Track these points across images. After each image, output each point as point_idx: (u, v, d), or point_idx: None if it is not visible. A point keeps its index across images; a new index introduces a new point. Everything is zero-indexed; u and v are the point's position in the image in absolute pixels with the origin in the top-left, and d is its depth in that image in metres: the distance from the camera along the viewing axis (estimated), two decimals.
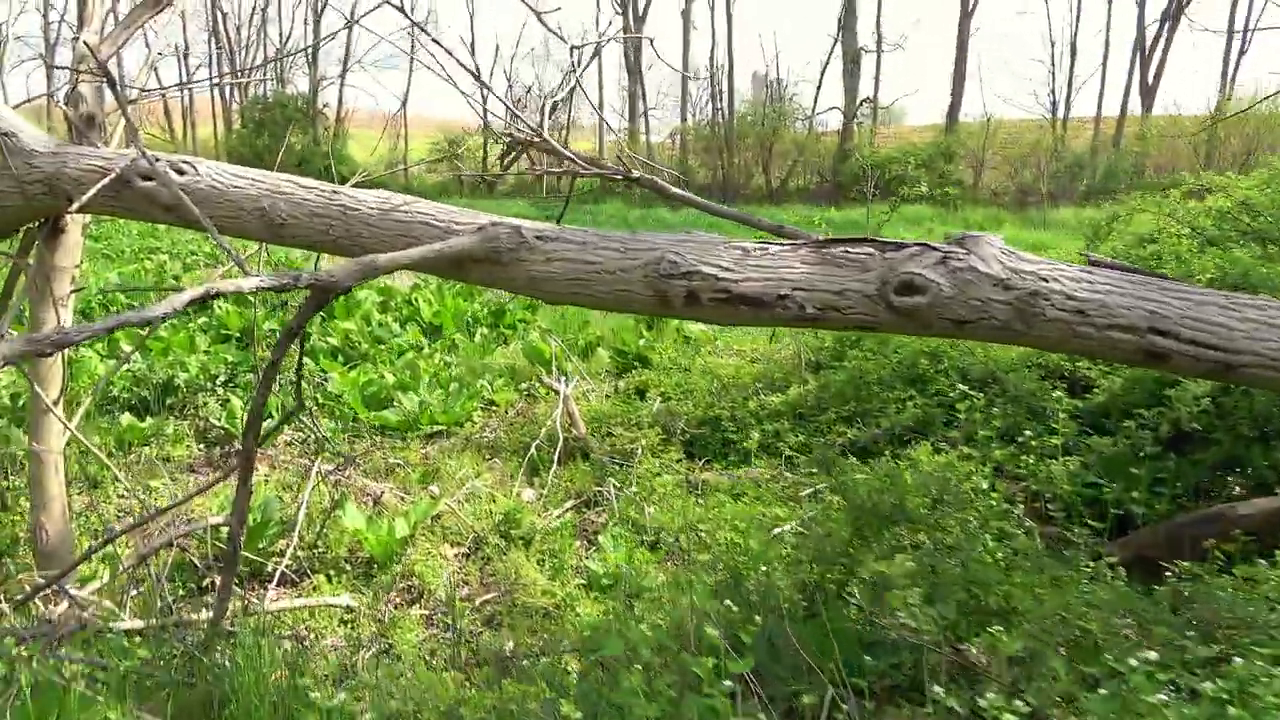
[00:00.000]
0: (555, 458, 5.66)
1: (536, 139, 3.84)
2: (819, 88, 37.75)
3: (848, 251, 2.78)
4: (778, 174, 35.87)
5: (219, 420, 6.31)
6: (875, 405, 5.50)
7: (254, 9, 41.96)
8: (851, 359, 6.03)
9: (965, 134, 35.16)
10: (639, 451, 5.39)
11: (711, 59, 37.94)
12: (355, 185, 4.58)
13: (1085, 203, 28.29)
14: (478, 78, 3.51)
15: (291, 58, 43.42)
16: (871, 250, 2.76)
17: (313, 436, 6.12)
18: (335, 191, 3.23)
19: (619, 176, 3.44)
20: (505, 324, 10.49)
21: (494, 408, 7.10)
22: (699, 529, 4.20)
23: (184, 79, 43.72)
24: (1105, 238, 6.49)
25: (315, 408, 6.92)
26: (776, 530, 4.27)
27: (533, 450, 5.84)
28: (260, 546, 4.40)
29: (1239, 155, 31.09)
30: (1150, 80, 33.92)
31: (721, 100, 37.50)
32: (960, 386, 4.30)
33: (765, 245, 2.86)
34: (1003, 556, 3.39)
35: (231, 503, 3.32)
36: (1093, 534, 4.28)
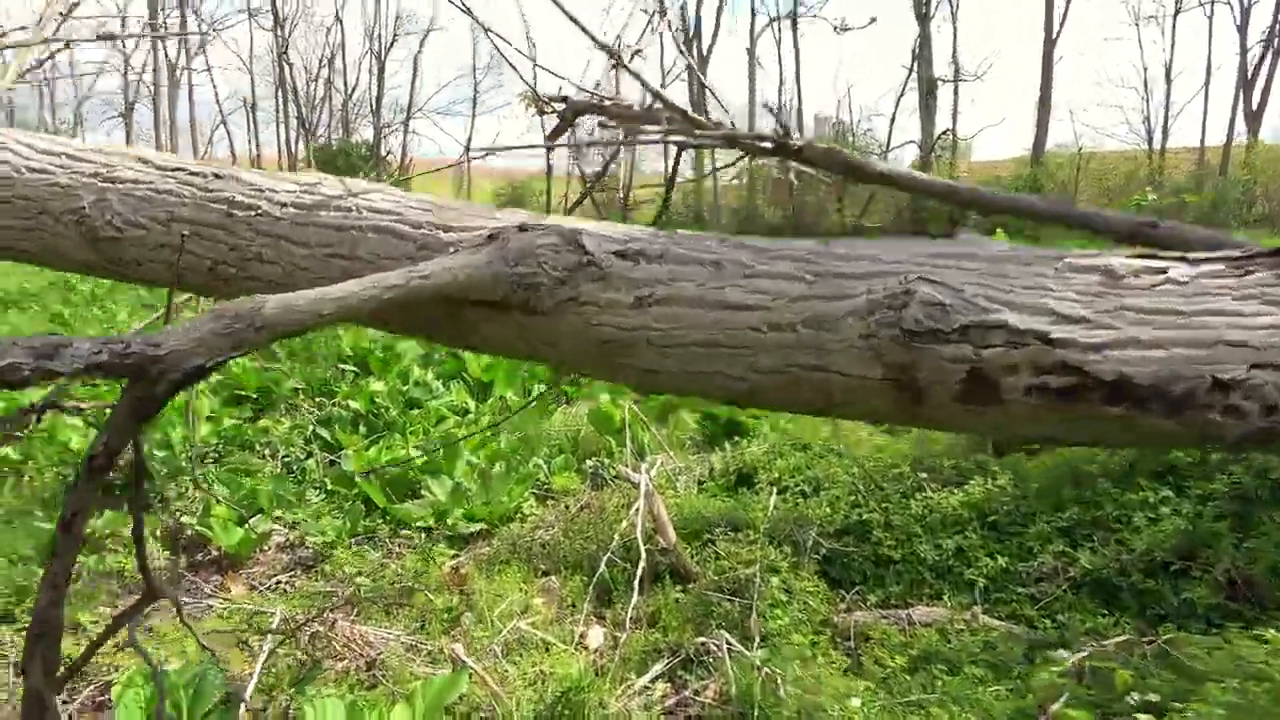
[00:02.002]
0: (636, 582, 4.03)
1: (615, 103, 2.27)
2: (893, 121, 36.07)
3: None
4: (853, 212, 34.17)
5: (192, 520, 4.85)
6: (1110, 513, 3.75)
7: (320, 60, 42.25)
8: None
9: (1054, 165, 33.30)
10: (757, 579, 3.73)
11: (780, 96, 36.61)
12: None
13: None
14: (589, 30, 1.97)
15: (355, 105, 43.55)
16: None
17: (296, 545, 4.61)
18: (219, 175, 1.70)
19: (772, 148, 1.84)
20: (567, 380, 8.94)
21: (552, 497, 5.52)
22: None
23: (252, 132, 44.22)
24: None
25: (321, 495, 5.43)
26: None
27: (603, 567, 4.22)
28: None
29: None
30: (1255, 105, 31.67)
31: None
32: None
33: (1157, 264, 1.23)
34: None
35: None
36: None
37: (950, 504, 4.12)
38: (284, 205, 1.59)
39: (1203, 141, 33.73)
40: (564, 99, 2.58)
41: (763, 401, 1.42)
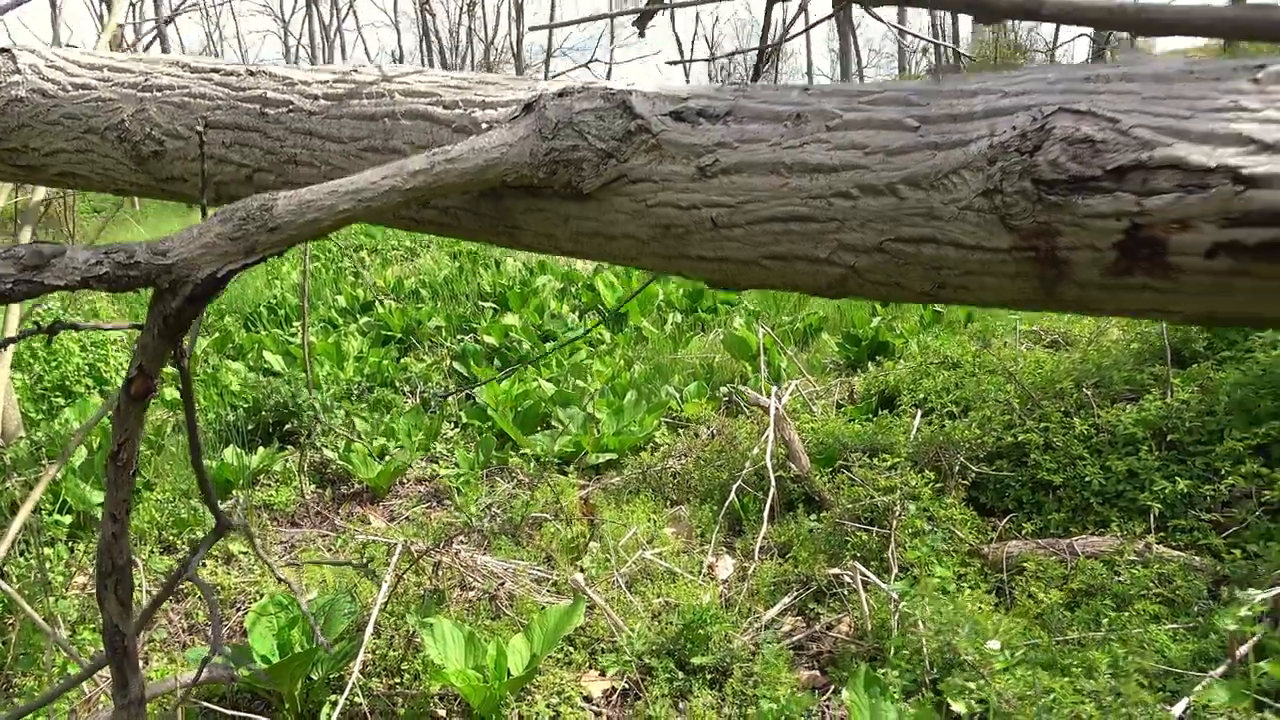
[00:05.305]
0: (765, 510, 3.83)
1: None
2: None
3: None
4: None
5: (335, 454, 4.99)
6: None
7: (461, 7, 42.77)
8: (1258, 346, 3.73)
9: (1251, 48, 29.68)
10: (897, 507, 3.44)
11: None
12: None
13: None
14: None
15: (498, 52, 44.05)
16: None
17: (433, 477, 4.66)
18: (252, 71, 1.56)
19: None
20: (704, 307, 8.73)
21: (684, 425, 5.36)
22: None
23: None
24: None
25: (456, 428, 5.49)
26: (1181, 710, 2.23)
27: (733, 495, 4.04)
28: (314, 679, 2.91)
29: None
30: None
31: (945, 49, 33.81)
32: None
33: None
34: None
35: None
36: None
37: (1122, 422, 3.66)
38: (315, 98, 1.44)
39: None
40: None
41: (859, 289, 1.16)
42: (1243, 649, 2.48)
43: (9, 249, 1.08)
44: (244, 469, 4.92)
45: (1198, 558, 3.08)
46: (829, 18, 1.71)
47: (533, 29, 4.30)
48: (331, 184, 1.16)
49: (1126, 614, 2.78)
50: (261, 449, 5.23)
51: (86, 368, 6.17)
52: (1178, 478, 3.35)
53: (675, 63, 3.70)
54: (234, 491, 4.82)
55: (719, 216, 1.13)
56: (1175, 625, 2.72)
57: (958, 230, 1.00)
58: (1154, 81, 0.95)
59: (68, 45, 1.95)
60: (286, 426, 5.55)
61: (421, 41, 43.11)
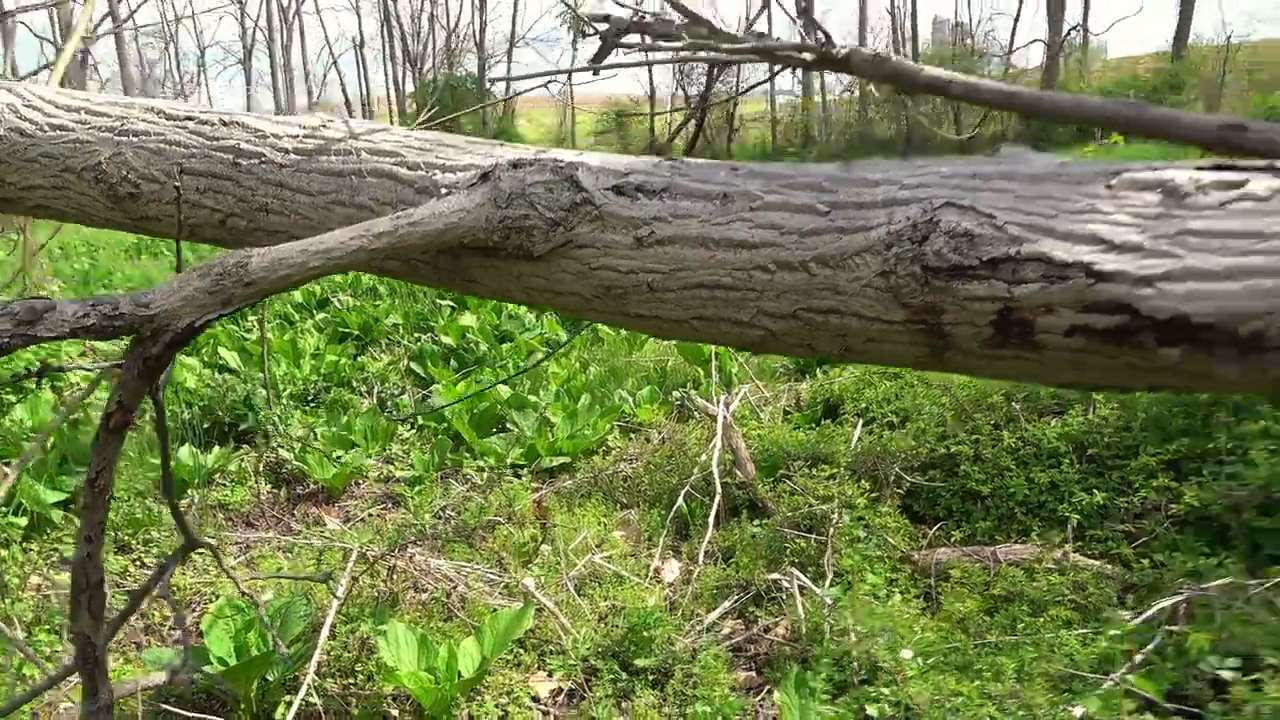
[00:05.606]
0: (711, 516, 3.98)
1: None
2: (1017, 19, 34.01)
3: None
4: (970, 122, 32.37)
5: (291, 455, 5.04)
6: (1224, 445, 3.45)
7: None
8: None
9: (1197, 59, 30.59)
10: (834, 515, 3.61)
11: (892, 2, 34.77)
12: None
13: None
14: None
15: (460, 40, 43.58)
16: None
17: (389, 479, 4.74)
18: (225, 121, 1.65)
19: (813, 59, 1.68)
20: None
21: (636, 430, 5.49)
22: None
23: (362, 72, 45.28)
24: None
25: (412, 429, 5.57)
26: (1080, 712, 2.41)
27: (681, 500, 4.19)
28: (269, 680, 2.99)
29: None
30: None
31: (904, 47, 34.32)
32: None
33: (1232, 176, 1.04)
34: None
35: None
36: None
37: (1047, 436, 3.87)
38: (286, 152, 1.54)
39: None
40: (605, 18, 2.45)
41: (778, 348, 1.30)
42: (1140, 654, 2.68)
43: (5, 306, 1.18)
44: (199, 468, 4.95)
45: (1110, 566, 3.30)
46: (770, 80, 1.84)
47: (493, 80, 4.39)
48: (302, 243, 1.27)
49: (1041, 619, 2.98)
50: (217, 448, 5.25)
51: (38, 364, 6.11)
52: (1095, 490, 3.56)
53: (624, 115, 3.78)
54: (189, 491, 4.86)
55: (654, 281, 1.26)
56: (1085, 630, 2.93)
57: (859, 304, 1.14)
58: (1029, 181, 1.10)
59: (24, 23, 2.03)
60: (242, 426, 5.58)
61: (382, 27, 42.51)
